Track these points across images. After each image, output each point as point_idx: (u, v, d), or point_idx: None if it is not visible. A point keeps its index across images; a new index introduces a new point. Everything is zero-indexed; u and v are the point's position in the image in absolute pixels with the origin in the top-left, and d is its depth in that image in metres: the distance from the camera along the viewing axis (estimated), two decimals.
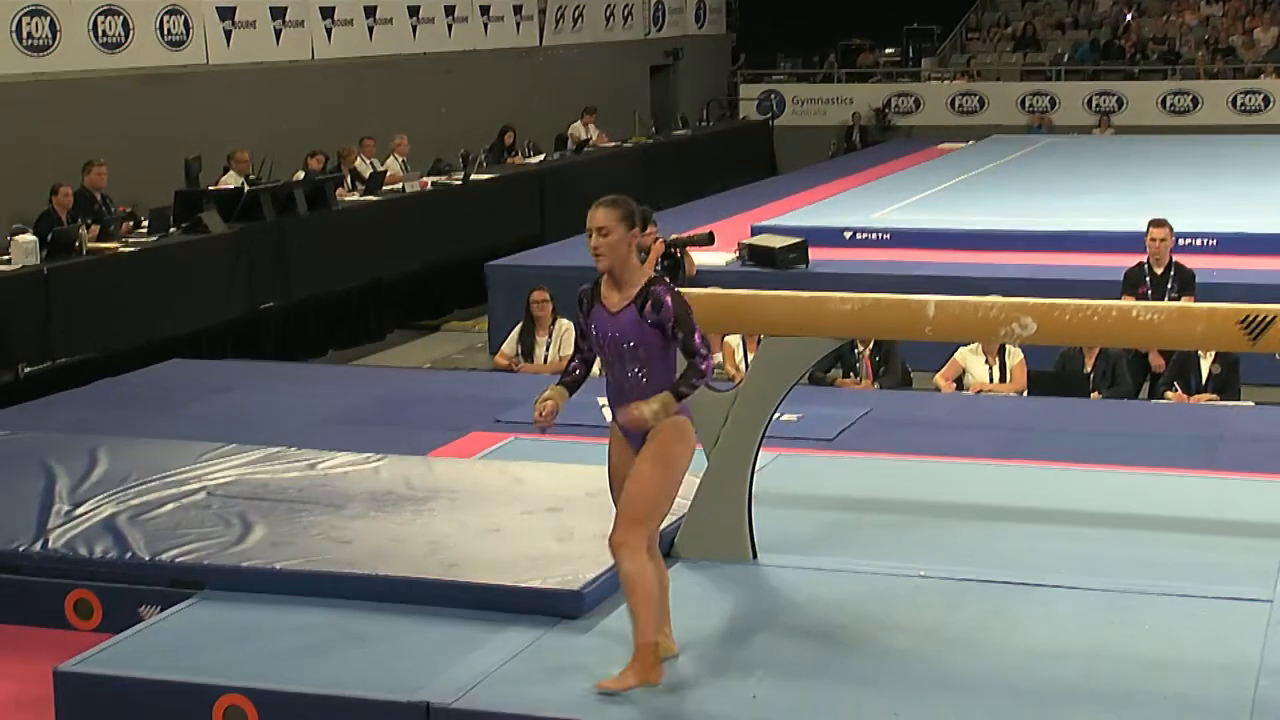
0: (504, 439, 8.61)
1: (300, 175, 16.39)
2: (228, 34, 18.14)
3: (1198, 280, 11.54)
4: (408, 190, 16.94)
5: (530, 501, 6.98)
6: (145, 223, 13.91)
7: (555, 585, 5.97)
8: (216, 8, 18.02)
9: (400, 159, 18.54)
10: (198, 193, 14.81)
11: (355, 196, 16.48)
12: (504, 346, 11.79)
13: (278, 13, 18.88)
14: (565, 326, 11.67)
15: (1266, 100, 25.99)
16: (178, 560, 6.32)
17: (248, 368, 11.52)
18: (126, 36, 16.92)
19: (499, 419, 9.08)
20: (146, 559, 6.35)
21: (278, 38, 18.90)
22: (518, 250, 15.81)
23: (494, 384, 10.69)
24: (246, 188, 14.82)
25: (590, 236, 5.46)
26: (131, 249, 13.19)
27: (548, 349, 11.59)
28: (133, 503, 7.02)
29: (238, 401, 9.77)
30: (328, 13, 19.71)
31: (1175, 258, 11.70)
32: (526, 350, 11.60)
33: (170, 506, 6.97)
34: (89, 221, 13.32)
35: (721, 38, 30.23)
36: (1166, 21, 28.71)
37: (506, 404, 9.43)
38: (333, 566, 6.23)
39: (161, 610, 6.09)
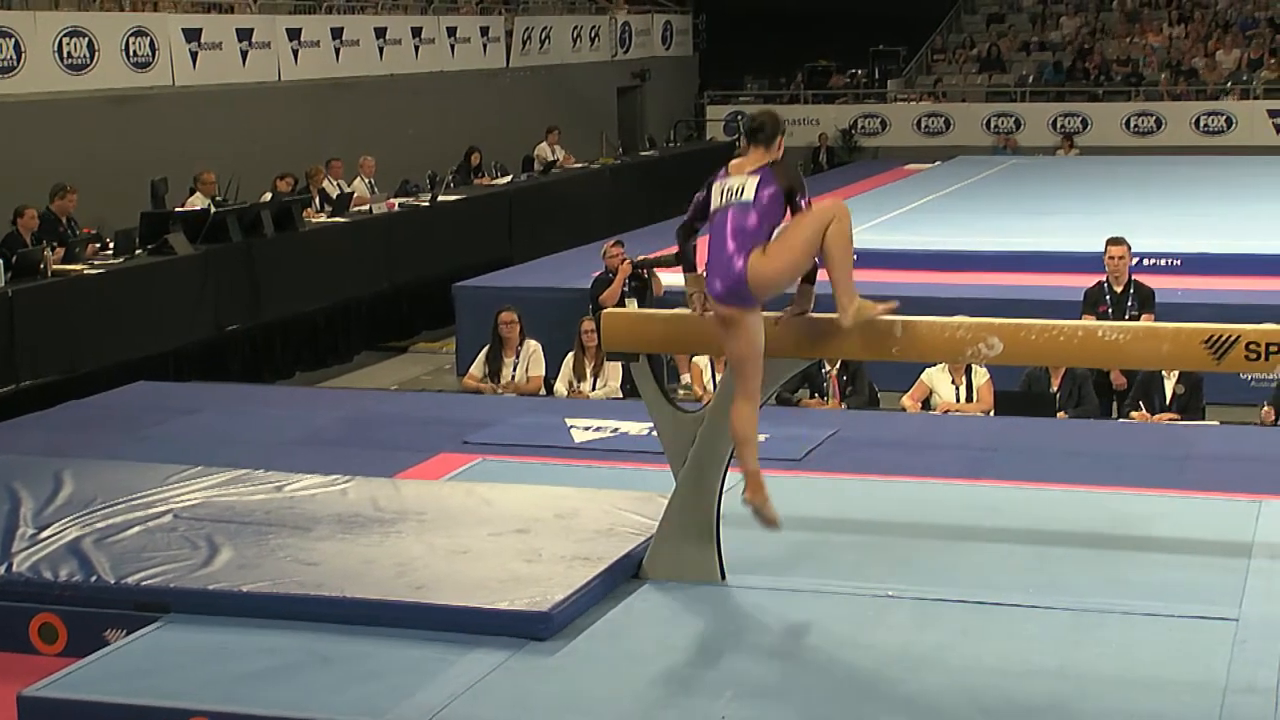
0: (472, 460, 8.60)
1: (268, 196, 16.35)
2: (194, 55, 18.10)
3: (1162, 300, 11.61)
4: (375, 212, 16.92)
5: (498, 523, 6.97)
6: (111, 245, 13.85)
7: (523, 607, 5.96)
8: (182, 29, 17.98)
9: (367, 180, 18.52)
10: (164, 214, 14.75)
11: (322, 218, 16.45)
12: (472, 368, 11.78)
13: (244, 34, 18.86)
14: (533, 347, 11.67)
15: (1229, 122, 26.18)
16: (143, 583, 6.29)
17: (214, 390, 11.48)
18: (92, 58, 16.87)
19: (467, 440, 9.07)
20: (111, 582, 6.32)
21: (244, 59, 18.87)
22: (485, 271, 15.80)
23: (462, 405, 10.68)
24: (213, 209, 14.77)
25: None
26: (97, 271, 13.12)
27: (515, 370, 11.59)
28: (98, 526, 6.99)
29: (204, 424, 9.74)
30: (294, 34, 19.69)
31: (1136, 276, 11.77)
32: (494, 371, 11.58)
33: (136, 529, 6.94)
34: (54, 244, 13.26)
35: (688, 59, 30.31)
36: (1130, 43, 28.90)
37: (474, 425, 9.42)
38: (300, 589, 6.20)
39: (127, 634, 6.05)
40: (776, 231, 6.07)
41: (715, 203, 6.16)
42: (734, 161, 6.24)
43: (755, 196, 6.02)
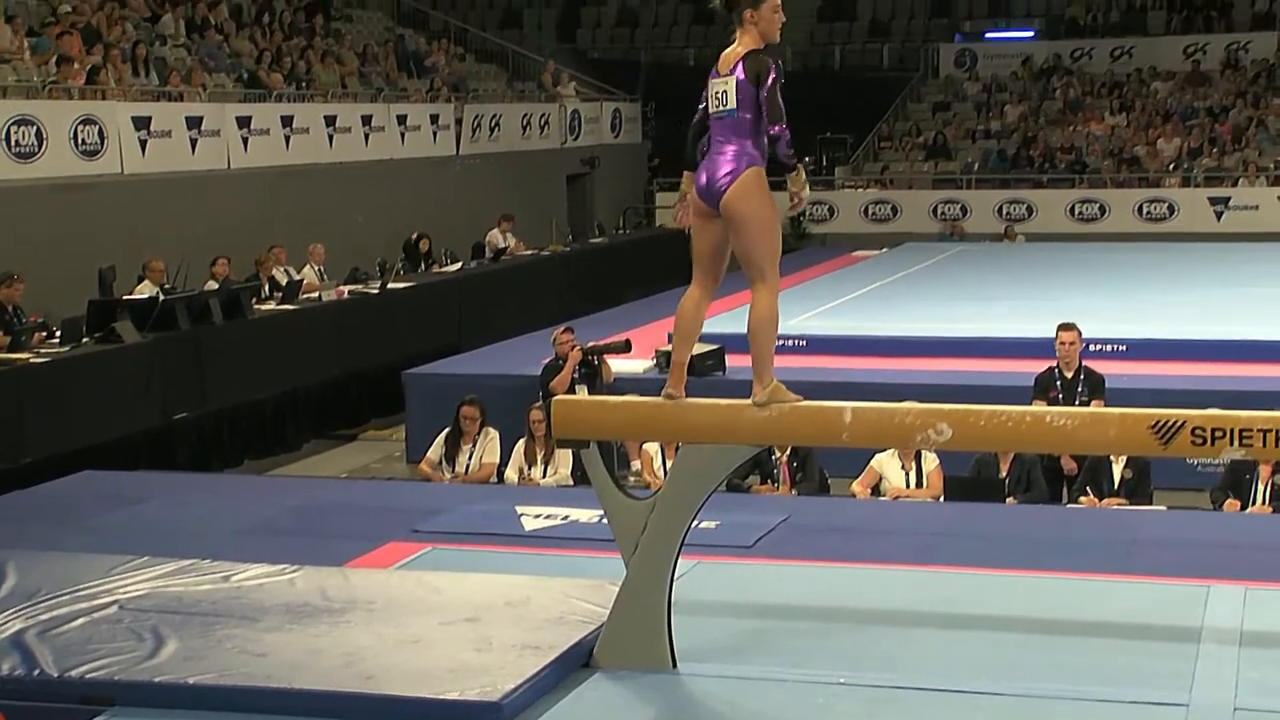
0: (422, 549, 8.55)
1: (210, 283, 16.31)
2: (143, 143, 18.09)
3: (1109, 385, 11.71)
4: (324, 299, 16.91)
5: (448, 612, 6.92)
6: (57, 333, 13.78)
7: (474, 697, 5.91)
8: (132, 117, 17.97)
9: (317, 267, 18.51)
10: (111, 302, 14.70)
11: (272, 305, 16.42)
12: (429, 452, 11.76)
13: (193, 122, 18.87)
14: (491, 435, 11.67)
15: (1171, 209, 26.51)
16: (88, 676, 6.21)
17: (161, 479, 11.39)
18: (40, 146, 16.83)
19: (416, 529, 9.02)
20: (55, 675, 6.23)
21: (193, 147, 18.87)
22: (436, 358, 15.79)
23: (411, 493, 10.63)
24: (161, 297, 14.73)
25: (779, 10, 6.14)
26: (43, 359, 13.04)
27: (470, 458, 11.57)
28: (42, 618, 6.90)
29: (151, 513, 9.65)
30: (244, 122, 19.72)
31: (1085, 362, 11.87)
32: (450, 456, 11.58)
33: (80, 621, 6.86)
34: None
35: (637, 146, 30.51)
36: (1073, 132, 29.29)
37: (424, 513, 9.38)
38: (247, 680, 6.13)
39: None
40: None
41: (711, 107, 6.19)
42: (725, 51, 6.21)
43: (737, 101, 6.07)
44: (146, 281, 16.02)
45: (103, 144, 17.56)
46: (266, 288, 17.10)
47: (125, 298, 15.11)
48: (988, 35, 33.09)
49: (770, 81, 5.99)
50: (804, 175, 6.24)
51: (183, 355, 14.29)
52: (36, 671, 6.27)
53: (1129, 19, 32.38)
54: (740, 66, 6.04)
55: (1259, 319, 15.73)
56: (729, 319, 16.61)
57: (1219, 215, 26.22)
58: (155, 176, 18.18)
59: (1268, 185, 26.58)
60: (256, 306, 15.94)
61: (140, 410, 13.72)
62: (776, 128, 6.01)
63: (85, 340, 13.70)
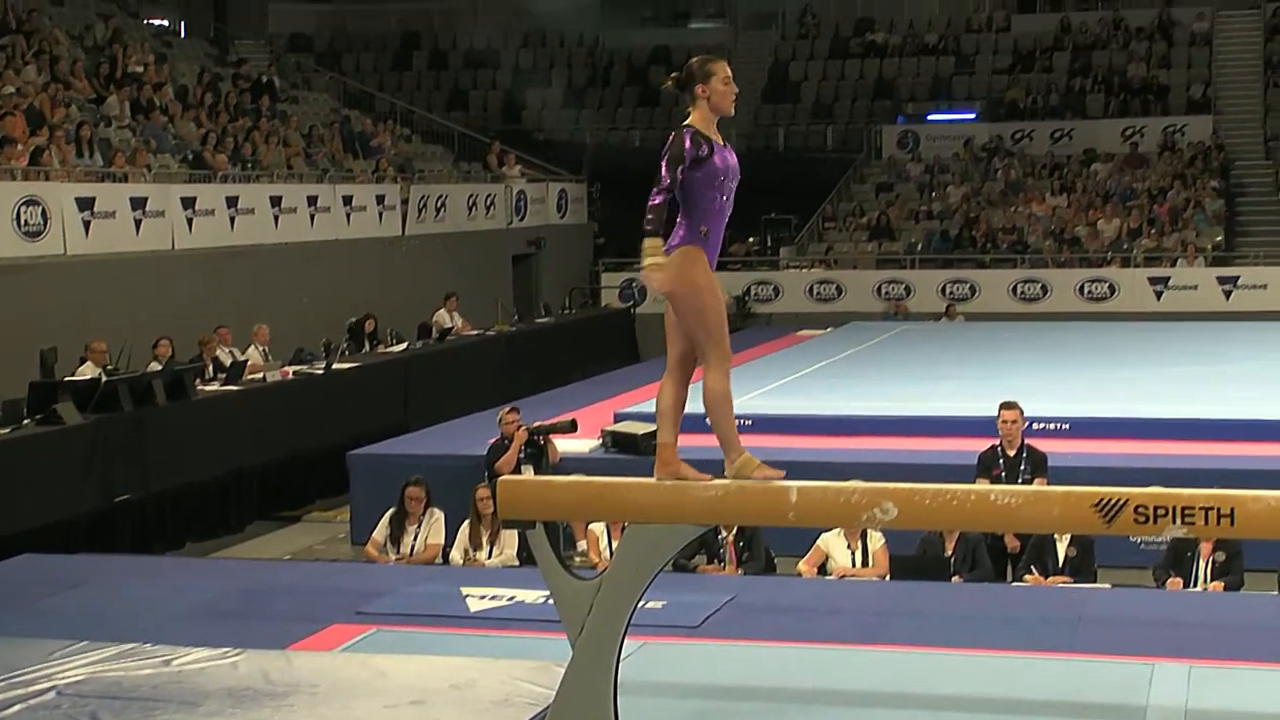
0: (366, 631, 8.49)
1: (154, 364, 16.22)
2: (86, 224, 18.03)
3: (1051, 463, 11.78)
4: (269, 380, 16.83)
5: (393, 695, 6.86)
6: None
7: None
8: (75, 198, 17.91)
9: (262, 348, 18.44)
10: (53, 384, 14.59)
11: (215, 386, 16.34)
12: (375, 533, 11.70)
13: (138, 203, 18.82)
14: (436, 516, 11.63)
15: (1111, 289, 26.78)
16: None
17: (102, 562, 11.27)
18: None
19: (361, 610, 8.96)
20: None
21: (138, 228, 18.82)
22: (381, 439, 15.74)
23: (355, 575, 10.55)
24: (104, 378, 14.63)
25: (729, 84, 6.06)
26: None
27: (415, 539, 11.51)
28: None
29: (91, 597, 9.54)
30: (189, 203, 19.69)
31: (1027, 440, 11.94)
32: (394, 537, 11.52)
33: (17, 708, 6.76)
34: None
35: (583, 227, 30.63)
36: (1014, 212, 29.59)
37: (368, 595, 9.31)
38: None
39: None
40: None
41: None
42: None
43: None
44: (89, 363, 15.90)
45: (45, 225, 17.48)
46: (210, 369, 17.02)
47: (67, 379, 15.00)
48: (930, 117, 33.46)
49: (665, 148, 5.95)
50: (649, 248, 5.95)
51: (125, 437, 14.18)
52: None
53: (1068, 101, 32.84)
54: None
55: (1199, 397, 15.88)
56: None
57: (1159, 295, 26.52)
58: (99, 257, 18.10)
59: (1206, 265, 26.93)
60: (200, 387, 15.87)
61: (81, 492, 13.60)
62: (661, 198, 5.93)
63: (26, 422, 13.59)
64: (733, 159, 6.08)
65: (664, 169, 5.91)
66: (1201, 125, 31.37)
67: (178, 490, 14.90)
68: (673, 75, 6.15)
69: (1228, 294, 26.23)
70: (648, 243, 5.91)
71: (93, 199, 18.16)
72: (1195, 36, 33.75)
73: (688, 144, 5.92)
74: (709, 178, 5.98)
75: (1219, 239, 28.09)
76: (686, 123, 6.03)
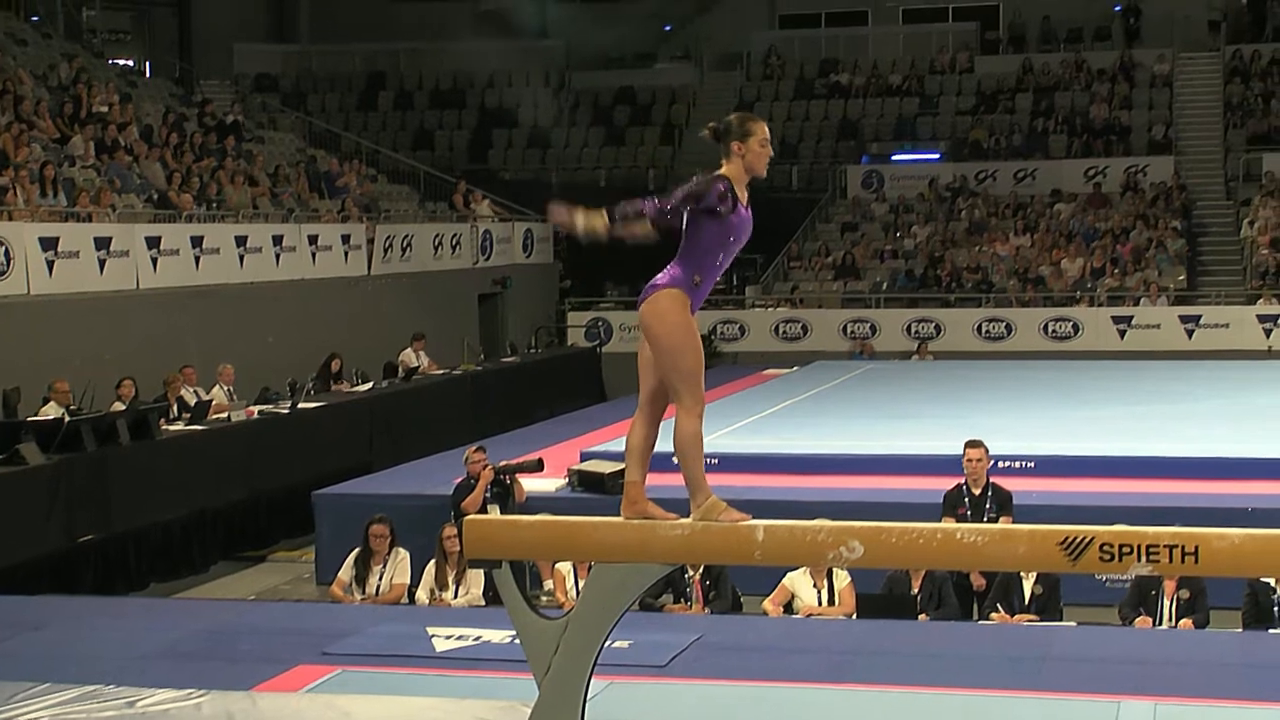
0: (331, 671, 8.45)
1: (117, 404, 16.15)
2: (50, 264, 17.95)
3: (1016, 502, 11.81)
4: (234, 419, 16.77)
5: None
6: None
7: None
8: (39, 238, 17.84)
9: (226, 388, 18.38)
10: (15, 424, 14.51)
11: (180, 426, 16.27)
12: (340, 573, 11.66)
13: (102, 243, 18.76)
14: (401, 555, 11.59)
15: (1075, 327, 26.92)
16: None
17: (64, 603, 11.19)
18: None
19: (326, 651, 8.91)
20: None
21: (102, 267, 18.75)
22: (346, 478, 15.69)
23: (321, 615, 10.51)
24: (67, 418, 14.56)
25: (767, 145, 6.06)
26: None
27: (381, 578, 11.48)
28: None
29: (53, 639, 9.46)
30: (153, 242, 19.63)
31: (992, 479, 11.98)
32: (360, 577, 11.48)
33: None
34: None
35: (549, 266, 30.66)
36: (979, 252, 29.74)
37: (334, 635, 9.27)
38: None
39: None
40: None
41: None
42: None
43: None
44: (52, 403, 15.82)
45: (9, 264, 17.41)
46: (175, 408, 16.95)
47: (30, 419, 14.92)
48: (894, 157, 33.63)
49: (690, 183, 5.89)
50: (596, 220, 5.82)
51: (88, 477, 14.10)
52: None
53: (1031, 142, 33.07)
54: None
55: (1163, 435, 15.96)
56: None
57: (1122, 334, 26.67)
58: (62, 297, 18.03)
59: (1168, 305, 27.11)
60: (165, 427, 15.80)
61: (44, 533, 13.51)
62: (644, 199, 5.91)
63: None
64: (749, 224, 6.02)
65: (677, 194, 5.86)
66: (1163, 165, 31.63)
67: (141, 530, 14.81)
68: (710, 125, 6.08)
69: (1190, 333, 26.41)
70: (597, 212, 5.81)
71: (56, 239, 18.09)
72: (1156, 78, 34.05)
73: (718, 189, 5.86)
74: (722, 233, 5.94)
75: (1181, 278, 28.29)
76: (722, 173, 5.96)
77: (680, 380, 6.00)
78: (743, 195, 6.00)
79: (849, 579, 10.75)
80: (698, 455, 6.00)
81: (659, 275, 6.01)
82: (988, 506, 11.65)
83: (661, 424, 6.14)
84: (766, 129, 6.08)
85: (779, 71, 36.31)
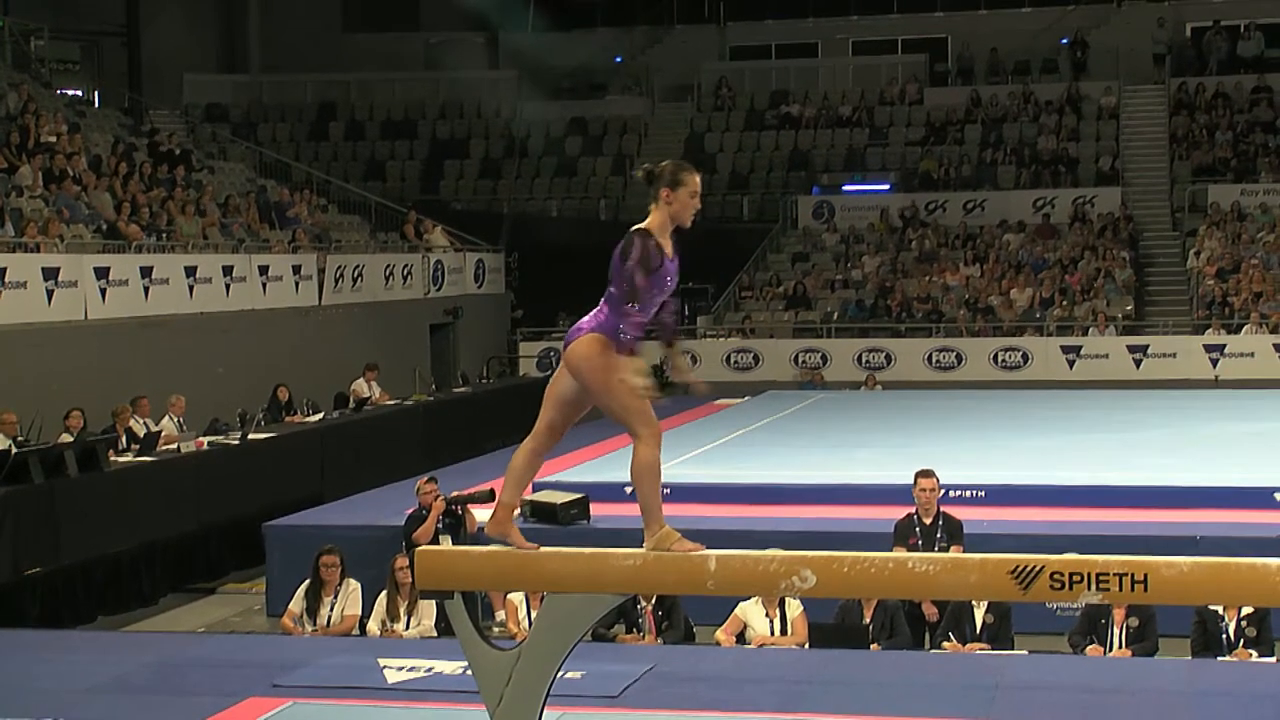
0: (283, 704, 8.40)
1: (65, 436, 16.03)
2: None
3: (967, 530, 11.86)
4: (183, 450, 16.66)
5: None
6: None
7: None
8: None
9: (176, 419, 18.27)
10: None
11: (129, 457, 16.16)
12: (291, 604, 11.61)
13: (50, 273, 18.64)
14: (352, 586, 11.55)
15: (1025, 357, 27.10)
16: None
17: (9, 636, 11.10)
18: None
19: (277, 683, 8.87)
20: None
21: (50, 298, 18.62)
22: (297, 509, 15.61)
23: (272, 647, 10.45)
24: (14, 449, 14.44)
25: (696, 198, 6.01)
26: None
27: (332, 609, 11.42)
28: None
29: (0, 672, 9.37)
30: (102, 273, 19.52)
31: (943, 508, 12.02)
32: (311, 609, 11.42)
33: None
34: None
35: (501, 296, 30.65)
36: (929, 282, 29.91)
37: (285, 667, 9.22)
38: None
39: None
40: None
41: None
42: None
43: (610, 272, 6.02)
44: None
45: None
46: (124, 439, 16.84)
47: None
48: (845, 188, 33.79)
49: (630, 259, 5.89)
50: (678, 349, 6.29)
51: (35, 508, 13.99)
52: None
53: (980, 173, 33.31)
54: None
55: (1112, 464, 16.06)
56: (593, 468, 16.67)
57: (1071, 364, 26.87)
58: (10, 328, 17.90)
59: (1116, 335, 27.33)
60: (113, 458, 15.68)
61: None
62: (628, 305, 5.95)
63: None
64: (675, 275, 6.06)
65: (636, 277, 5.89)
66: (1111, 196, 31.92)
67: (89, 562, 14.68)
68: (645, 168, 6.07)
69: (1138, 363, 26.64)
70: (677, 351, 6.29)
71: (4, 269, 17.97)
72: (1103, 110, 34.38)
73: (649, 248, 5.89)
74: (648, 285, 5.97)
75: (1129, 308, 28.53)
76: (643, 227, 5.95)
77: (621, 415, 6.09)
78: (666, 245, 6.01)
79: (801, 608, 10.76)
80: (654, 484, 6.03)
81: (584, 319, 6.04)
82: (939, 536, 11.68)
83: (616, 454, 6.16)
84: (698, 181, 6.06)
85: (730, 103, 36.47)
